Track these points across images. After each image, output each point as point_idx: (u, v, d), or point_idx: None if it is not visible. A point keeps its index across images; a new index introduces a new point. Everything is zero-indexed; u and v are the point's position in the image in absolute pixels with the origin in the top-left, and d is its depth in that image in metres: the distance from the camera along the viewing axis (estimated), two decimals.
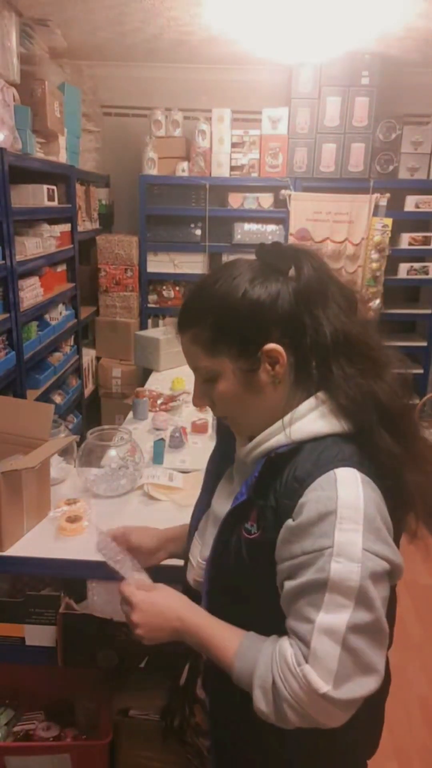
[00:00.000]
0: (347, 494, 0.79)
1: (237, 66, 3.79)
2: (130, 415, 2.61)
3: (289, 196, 3.70)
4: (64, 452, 1.68)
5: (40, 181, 2.75)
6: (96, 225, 3.87)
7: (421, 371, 3.98)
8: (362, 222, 3.71)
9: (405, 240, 3.84)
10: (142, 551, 1.12)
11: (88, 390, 3.84)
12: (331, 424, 0.85)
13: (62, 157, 3.02)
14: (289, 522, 0.82)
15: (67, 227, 3.19)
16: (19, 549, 1.35)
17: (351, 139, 3.63)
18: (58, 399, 3.09)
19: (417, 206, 3.78)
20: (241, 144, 3.70)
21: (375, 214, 3.71)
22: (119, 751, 1.38)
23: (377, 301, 3.82)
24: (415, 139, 3.65)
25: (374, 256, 3.74)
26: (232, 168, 3.72)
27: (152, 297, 4.03)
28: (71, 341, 3.45)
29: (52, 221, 2.99)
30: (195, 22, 2.96)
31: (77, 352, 3.51)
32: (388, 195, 3.68)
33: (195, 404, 0.98)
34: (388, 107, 3.66)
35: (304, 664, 0.77)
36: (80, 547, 1.33)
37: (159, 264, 3.93)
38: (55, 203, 2.93)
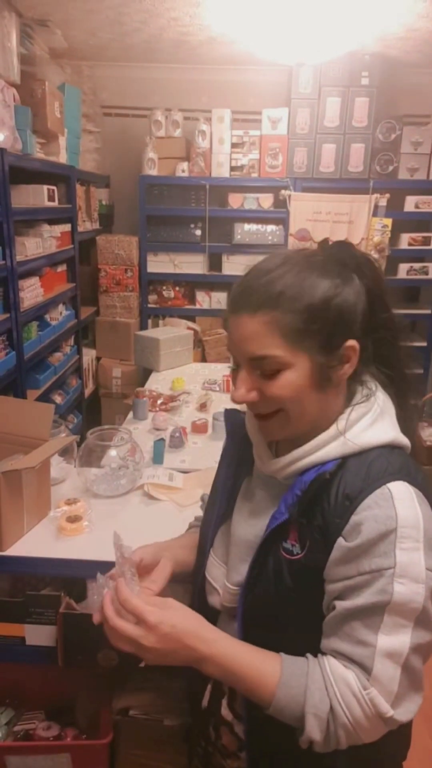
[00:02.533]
0: (406, 511, 0.76)
1: (237, 66, 3.80)
2: (130, 415, 2.61)
3: (289, 196, 3.70)
4: (64, 452, 1.69)
5: (41, 182, 2.74)
6: (96, 225, 3.87)
7: (420, 371, 3.98)
8: (362, 222, 3.71)
9: (405, 240, 3.84)
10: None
11: (89, 390, 3.84)
12: (383, 432, 0.84)
13: (62, 158, 3.02)
14: (342, 542, 0.78)
15: (67, 227, 3.20)
16: (19, 549, 1.35)
17: (351, 139, 3.63)
18: (58, 399, 3.09)
19: (417, 206, 3.78)
20: (241, 144, 3.70)
21: (375, 214, 3.71)
22: (119, 751, 1.38)
23: None
24: (415, 140, 3.65)
25: (374, 256, 3.74)
26: (232, 168, 3.73)
27: (152, 297, 4.03)
28: (71, 341, 3.45)
29: (53, 221, 2.99)
30: (195, 23, 2.97)
31: (77, 352, 3.51)
32: (387, 195, 3.68)
33: (238, 399, 0.84)
34: (388, 107, 3.67)
35: (370, 689, 0.75)
36: (80, 547, 1.33)
37: (159, 264, 3.93)
38: (55, 203, 2.93)
